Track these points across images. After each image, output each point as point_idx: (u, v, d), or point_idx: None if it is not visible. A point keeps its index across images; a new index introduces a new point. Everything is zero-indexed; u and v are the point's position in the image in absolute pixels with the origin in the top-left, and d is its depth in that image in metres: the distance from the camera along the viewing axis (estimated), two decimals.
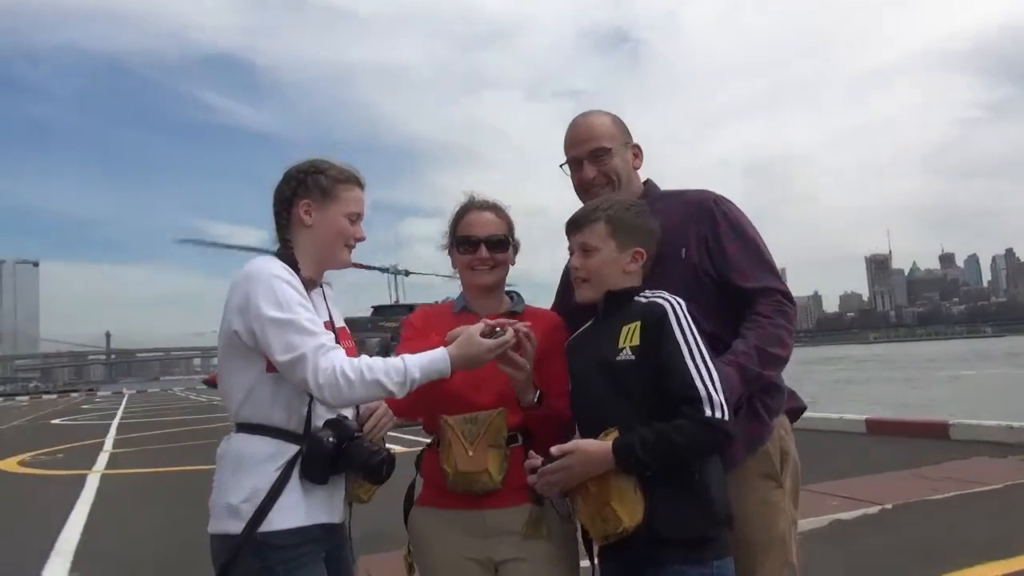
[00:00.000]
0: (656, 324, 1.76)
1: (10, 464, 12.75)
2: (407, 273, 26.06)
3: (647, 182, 2.27)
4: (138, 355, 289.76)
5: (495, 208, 2.15)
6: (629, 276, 1.92)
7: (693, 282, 2.00)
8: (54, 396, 79.12)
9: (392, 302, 22.12)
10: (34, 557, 5.72)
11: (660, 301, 1.81)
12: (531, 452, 1.81)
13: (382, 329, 16.87)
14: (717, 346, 1.88)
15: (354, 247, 1.98)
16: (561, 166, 2.21)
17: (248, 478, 1.73)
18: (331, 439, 1.75)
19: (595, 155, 2.15)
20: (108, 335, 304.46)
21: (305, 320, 1.73)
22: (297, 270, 1.85)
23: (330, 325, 1.91)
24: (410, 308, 19.45)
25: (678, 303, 1.80)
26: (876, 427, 9.70)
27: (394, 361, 1.75)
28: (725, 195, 2.15)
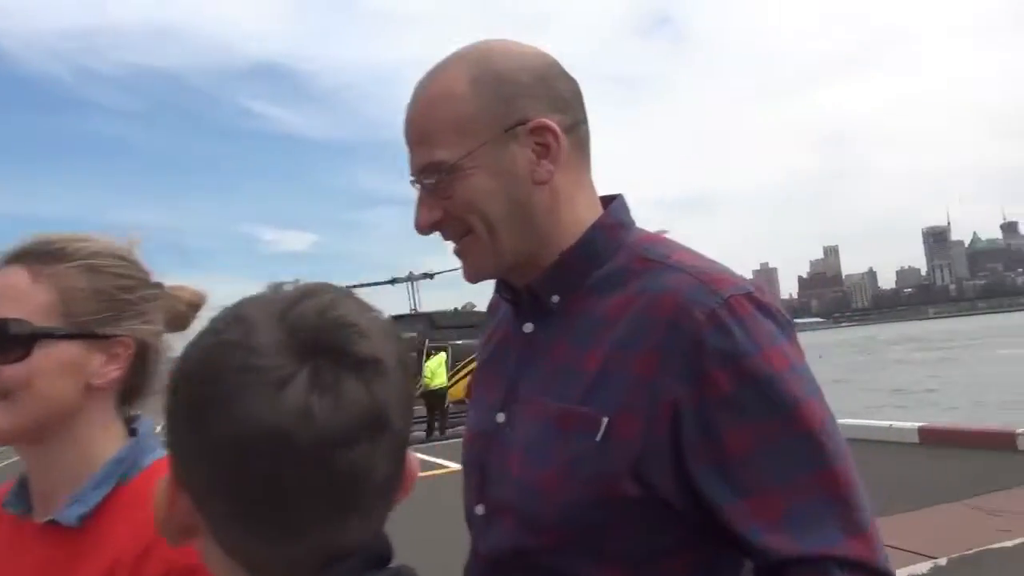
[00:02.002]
0: None
1: None
2: (431, 276, 23.99)
3: (612, 202, 0.99)
4: None
5: (34, 258, 0.92)
6: None
7: (598, 502, 0.85)
8: None
9: (410, 311, 20.59)
10: None
11: None
12: None
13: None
14: None
15: None
16: (413, 183, 0.97)
17: None
18: None
19: (426, 175, 0.93)
20: None
21: None
22: None
23: None
24: (428, 317, 18.46)
25: None
26: (930, 436, 8.30)
27: None
28: (754, 289, 0.86)
